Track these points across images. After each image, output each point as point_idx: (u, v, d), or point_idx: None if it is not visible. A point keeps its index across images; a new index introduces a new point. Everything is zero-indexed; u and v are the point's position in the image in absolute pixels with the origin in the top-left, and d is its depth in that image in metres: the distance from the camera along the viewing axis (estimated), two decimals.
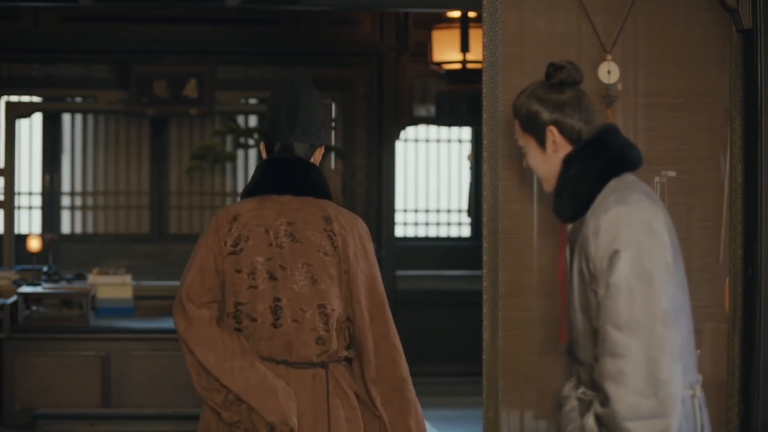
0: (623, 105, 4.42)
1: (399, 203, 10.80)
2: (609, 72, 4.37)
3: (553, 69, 3.25)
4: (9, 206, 9.67)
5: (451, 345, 10.02)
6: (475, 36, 8.73)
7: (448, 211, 11.42)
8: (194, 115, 10.12)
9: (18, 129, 9.92)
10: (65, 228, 10.73)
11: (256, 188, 3.49)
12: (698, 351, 3.40)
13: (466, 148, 11.31)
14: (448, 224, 11.43)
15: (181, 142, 10.63)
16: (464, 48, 8.85)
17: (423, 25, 9.53)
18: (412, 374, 3.50)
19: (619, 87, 4.41)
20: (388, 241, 10.10)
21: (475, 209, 10.95)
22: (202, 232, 3.49)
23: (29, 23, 9.75)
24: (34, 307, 7.68)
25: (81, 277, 8.78)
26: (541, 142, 3.25)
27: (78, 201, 10.75)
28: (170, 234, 10.62)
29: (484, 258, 4.40)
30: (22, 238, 9.39)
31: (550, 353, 4.35)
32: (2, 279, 8.26)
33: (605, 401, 3.03)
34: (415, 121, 10.63)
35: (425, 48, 9.27)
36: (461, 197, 11.36)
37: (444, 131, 11.28)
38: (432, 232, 11.42)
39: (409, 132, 11.10)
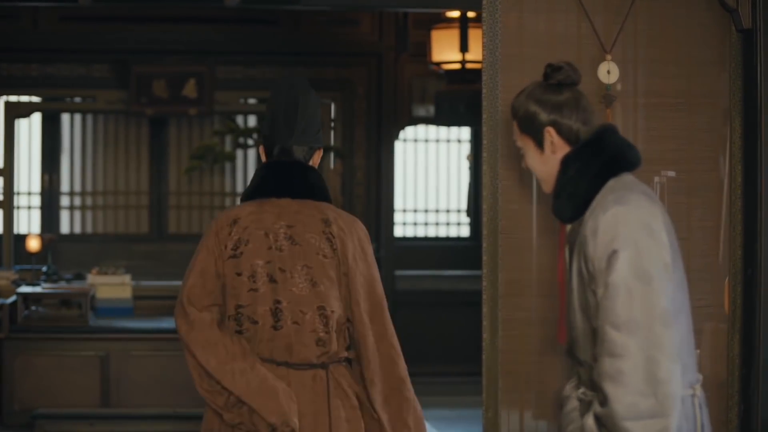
0: (623, 105, 4.42)
1: (398, 203, 10.79)
2: (609, 72, 4.37)
3: (551, 70, 3.25)
4: (8, 206, 9.68)
5: (450, 345, 10.01)
6: (475, 36, 8.72)
7: (448, 211, 11.41)
8: (193, 115, 10.10)
9: (17, 129, 9.93)
10: (64, 228, 10.73)
11: (256, 191, 3.49)
12: (698, 351, 3.39)
13: (466, 148, 11.31)
14: (448, 224, 11.42)
15: (181, 142, 10.62)
16: (463, 48, 8.85)
17: (422, 25, 9.52)
18: (412, 374, 3.51)
19: (619, 87, 4.41)
20: (387, 241, 10.10)
21: (474, 209, 10.96)
22: (203, 235, 3.50)
23: (29, 23, 9.74)
24: (33, 307, 7.67)
25: (80, 277, 8.77)
26: (540, 143, 3.25)
27: (77, 201, 10.75)
28: (169, 234, 10.61)
29: (484, 258, 4.40)
30: (22, 238, 9.39)
31: (549, 353, 4.35)
32: (1, 279, 8.26)
33: (604, 401, 3.03)
34: (415, 121, 10.62)
35: (424, 48, 9.26)
36: (460, 197, 11.35)
37: (443, 131, 11.28)
38: (431, 232, 11.41)
39: (409, 132, 11.10)
